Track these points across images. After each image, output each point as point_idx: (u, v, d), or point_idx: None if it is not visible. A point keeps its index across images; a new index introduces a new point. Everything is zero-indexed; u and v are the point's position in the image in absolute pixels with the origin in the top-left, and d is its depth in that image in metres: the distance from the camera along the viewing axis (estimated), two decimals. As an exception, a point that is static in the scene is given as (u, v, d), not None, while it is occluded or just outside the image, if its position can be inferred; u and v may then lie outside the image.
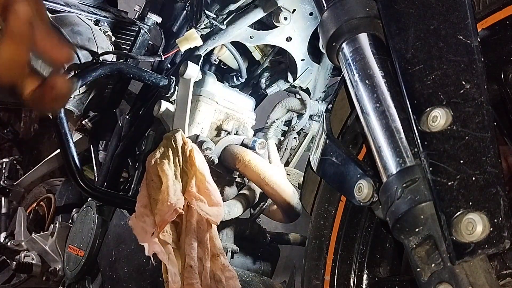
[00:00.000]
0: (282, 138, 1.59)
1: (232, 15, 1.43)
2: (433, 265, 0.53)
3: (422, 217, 0.53)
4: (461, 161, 0.51)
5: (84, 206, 1.52)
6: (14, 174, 2.13)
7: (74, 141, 1.34)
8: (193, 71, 1.37)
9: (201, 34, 1.44)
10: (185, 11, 1.65)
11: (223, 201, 1.28)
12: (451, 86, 0.54)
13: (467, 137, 0.52)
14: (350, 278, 0.76)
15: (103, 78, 1.49)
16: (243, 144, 1.41)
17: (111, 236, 1.40)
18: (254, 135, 1.52)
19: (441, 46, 0.55)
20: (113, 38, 1.61)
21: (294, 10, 1.44)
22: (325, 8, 0.69)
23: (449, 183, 0.51)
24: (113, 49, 1.56)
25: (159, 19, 1.63)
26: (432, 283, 0.52)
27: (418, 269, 0.54)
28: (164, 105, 1.40)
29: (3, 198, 2.06)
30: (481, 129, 0.51)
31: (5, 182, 2.04)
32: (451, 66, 0.54)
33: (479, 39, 0.54)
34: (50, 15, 1.48)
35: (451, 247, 0.50)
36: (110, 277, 1.34)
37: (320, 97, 1.60)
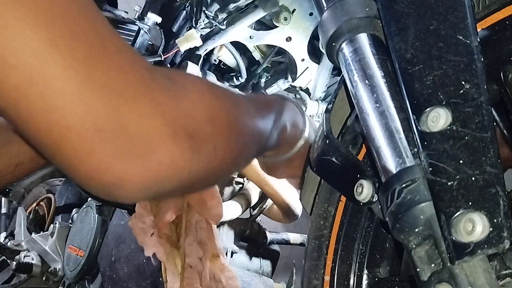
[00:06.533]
0: (282, 138, 1.58)
1: (232, 15, 1.43)
2: (432, 265, 0.53)
3: (422, 217, 0.53)
4: (461, 161, 0.51)
5: (84, 206, 1.52)
6: (14, 174, 2.12)
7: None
8: (193, 71, 1.37)
9: (201, 34, 1.44)
10: (185, 11, 1.65)
11: (223, 201, 1.28)
12: (451, 86, 0.54)
13: (467, 137, 0.51)
14: (350, 278, 0.76)
15: (103, 78, 1.49)
16: (243, 144, 1.40)
17: (111, 236, 1.40)
18: (254, 135, 1.52)
19: (441, 46, 0.55)
20: (113, 38, 1.61)
21: (294, 10, 1.44)
22: (325, 8, 0.69)
23: (449, 183, 0.51)
24: (113, 49, 1.56)
25: (159, 19, 1.63)
26: (432, 283, 0.52)
27: (418, 269, 0.54)
28: (164, 105, 1.40)
29: (3, 198, 2.05)
30: (481, 129, 0.51)
31: (5, 182, 2.03)
32: (451, 66, 0.54)
33: (478, 39, 0.54)
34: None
35: (450, 247, 0.50)
36: (110, 277, 1.34)
37: (320, 97, 1.60)
